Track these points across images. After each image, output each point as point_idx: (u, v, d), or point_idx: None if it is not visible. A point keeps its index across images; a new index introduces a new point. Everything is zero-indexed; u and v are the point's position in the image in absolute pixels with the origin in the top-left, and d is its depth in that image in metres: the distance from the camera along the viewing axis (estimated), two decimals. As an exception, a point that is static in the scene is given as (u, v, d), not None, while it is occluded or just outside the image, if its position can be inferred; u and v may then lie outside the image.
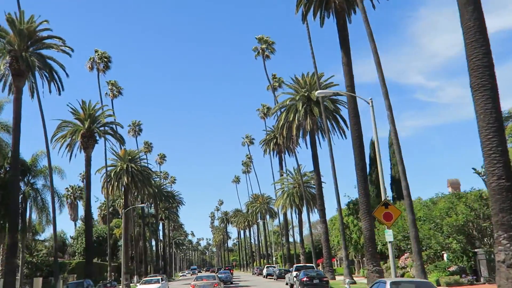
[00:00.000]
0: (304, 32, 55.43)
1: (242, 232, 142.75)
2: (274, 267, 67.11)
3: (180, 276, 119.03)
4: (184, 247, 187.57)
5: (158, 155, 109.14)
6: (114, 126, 52.29)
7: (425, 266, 24.24)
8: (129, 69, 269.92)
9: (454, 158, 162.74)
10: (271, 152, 73.77)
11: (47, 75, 38.15)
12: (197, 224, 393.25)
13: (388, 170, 47.65)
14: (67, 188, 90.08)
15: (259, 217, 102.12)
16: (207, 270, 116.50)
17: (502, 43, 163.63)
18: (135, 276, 63.43)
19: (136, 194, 64.81)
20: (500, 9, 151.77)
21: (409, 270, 32.52)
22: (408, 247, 30.19)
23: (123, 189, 58.08)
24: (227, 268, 77.06)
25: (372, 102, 21.49)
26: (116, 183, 56.39)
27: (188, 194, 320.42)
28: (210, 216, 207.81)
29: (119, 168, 56.70)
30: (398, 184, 48.13)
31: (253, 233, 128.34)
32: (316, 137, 44.05)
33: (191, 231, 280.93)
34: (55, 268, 39.43)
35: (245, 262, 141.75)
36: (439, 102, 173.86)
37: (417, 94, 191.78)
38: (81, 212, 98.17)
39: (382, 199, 20.40)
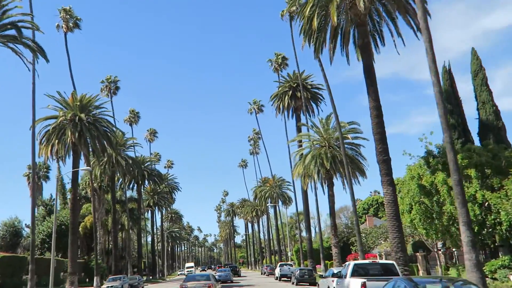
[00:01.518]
0: None
1: (250, 226, 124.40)
2: (291, 265, 48.51)
3: (178, 274, 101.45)
4: (186, 241, 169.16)
5: (148, 130, 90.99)
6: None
7: None
8: (123, 37, 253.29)
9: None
10: (286, 113, 54.97)
11: None
12: (204, 220, 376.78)
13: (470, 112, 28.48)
14: (29, 165, 72.44)
15: (269, 204, 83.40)
16: (204, 269, 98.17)
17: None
18: (96, 278, 45.18)
19: (92, 160, 46.70)
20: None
21: None
22: None
23: (71, 152, 39.55)
24: (226, 266, 68.74)
25: None
26: (57, 141, 37.93)
27: (194, 189, 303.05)
28: (215, 210, 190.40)
29: (60, 119, 38.15)
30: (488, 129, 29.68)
31: (262, 225, 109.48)
32: (372, 41, 25.21)
33: (198, 227, 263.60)
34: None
35: (253, 259, 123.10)
36: None
37: (429, 90, 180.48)
38: (46, 194, 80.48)
39: None
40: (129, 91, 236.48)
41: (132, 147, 55.77)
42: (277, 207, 79.37)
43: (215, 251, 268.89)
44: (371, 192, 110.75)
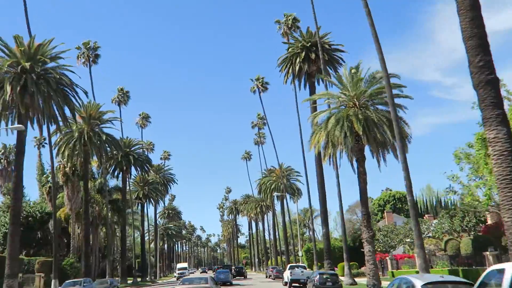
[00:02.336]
0: None
1: (254, 224, 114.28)
2: (304, 267, 38.40)
3: (174, 276, 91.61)
4: (185, 240, 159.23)
5: (140, 114, 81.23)
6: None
7: None
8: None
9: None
10: (297, 82, 44.87)
11: None
12: (208, 220, 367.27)
13: None
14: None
15: (275, 198, 73.35)
16: (204, 271, 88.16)
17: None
18: (55, 281, 35.32)
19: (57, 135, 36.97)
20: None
21: None
22: None
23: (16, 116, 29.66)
24: (226, 267, 62.27)
25: None
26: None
27: (197, 188, 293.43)
28: (218, 208, 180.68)
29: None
30: None
31: (268, 223, 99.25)
32: None
33: (201, 226, 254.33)
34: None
35: (256, 260, 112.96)
36: (456, 99, 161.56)
37: (433, 91, 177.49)
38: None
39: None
40: (132, 91, 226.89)
41: (111, 123, 45.65)
42: (284, 201, 69.30)
43: (218, 251, 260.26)
44: (382, 190, 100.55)
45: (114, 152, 56.64)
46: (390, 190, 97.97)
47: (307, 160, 49.66)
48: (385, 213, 77.51)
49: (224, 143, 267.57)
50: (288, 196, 68.91)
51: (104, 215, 56.61)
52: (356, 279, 36.37)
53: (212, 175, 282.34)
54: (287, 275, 36.93)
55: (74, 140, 42.40)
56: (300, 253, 49.43)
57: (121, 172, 58.18)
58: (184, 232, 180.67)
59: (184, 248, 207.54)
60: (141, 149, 61.38)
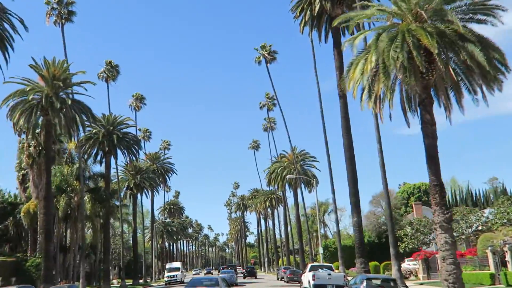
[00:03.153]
0: None
1: (263, 222, 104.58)
2: (330, 269, 28.46)
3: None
4: (189, 239, 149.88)
5: (133, 95, 71.91)
6: None
7: None
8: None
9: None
10: (316, 32, 34.97)
11: None
12: (216, 219, 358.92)
13: None
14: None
15: (287, 187, 63.58)
16: (209, 272, 78.47)
17: None
18: None
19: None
20: None
21: None
22: None
23: None
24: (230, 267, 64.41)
25: None
26: None
27: (204, 187, 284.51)
28: (225, 205, 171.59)
29: None
30: None
31: (278, 219, 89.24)
32: None
33: (209, 225, 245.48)
34: None
35: (266, 260, 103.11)
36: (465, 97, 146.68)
37: None
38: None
39: None
40: (130, 79, 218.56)
41: (83, 88, 35.74)
42: (298, 190, 59.40)
43: (227, 251, 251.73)
44: (399, 184, 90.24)
45: (94, 130, 47.41)
46: (409, 184, 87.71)
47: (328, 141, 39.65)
48: (413, 205, 67.32)
49: (230, 138, 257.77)
50: (302, 185, 59.09)
51: (86, 207, 47.17)
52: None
53: (219, 172, 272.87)
54: (307, 278, 27.09)
55: (32, 106, 32.99)
56: (320, 250, 39.39)
57: (104, 156, 48.70)
58: (190, 230, 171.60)
59: (191, 248, 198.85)
60: (127, 128, 51.35)
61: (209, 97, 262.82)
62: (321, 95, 40.91)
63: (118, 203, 56.98)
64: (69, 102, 33.32)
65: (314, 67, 39.94)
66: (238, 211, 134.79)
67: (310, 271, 27.37)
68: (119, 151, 50.08)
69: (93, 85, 36.74)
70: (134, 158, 51.15)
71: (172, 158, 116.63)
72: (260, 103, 73.31)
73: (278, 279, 53.76)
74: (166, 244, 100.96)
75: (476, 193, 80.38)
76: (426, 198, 78.78)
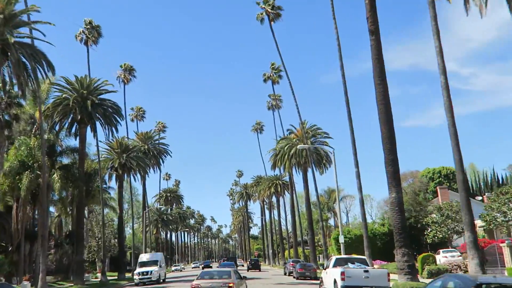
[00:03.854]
0: None
1: (267, 212, 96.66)
2: (364, 263, 20.22)
3: (172, 271, 74.74)
4: (192, 230, 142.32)
5: (122, 66, 63.70)
6: None
7: None
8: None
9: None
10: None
11: None
12: (219, 211, 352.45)
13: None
14: None
15: (294, 170, 55.33)
16: (208, 266, 70.47)
17: None
18: None
19: None
20: None
21: None
22: None
23: None
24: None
25: None
26: None
27: (208, 177, 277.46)
28: (228, 195, 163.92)
29: None
30: None
31: (284, 208, 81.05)
32: None
33: (211, 217, 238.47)
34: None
35: (270, 252, 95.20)
36: (474, 89, 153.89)
37: (450, 81, 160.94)
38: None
39: None
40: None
41: (33, 28, 27.55)
42: (308, 171, 51.11)
43: (230, 243, 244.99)
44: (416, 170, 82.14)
45: (64, 95, 39.28)
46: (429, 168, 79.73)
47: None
48: (438, 189, 59.06)
49: (232, 123, 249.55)
50: (313, 166, 50.80)
51: (54, 187, 39.18)
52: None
53: (222, 162, 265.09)
54: (332, 276, 18.91)
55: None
56: (341, 239, 30.99)
57: (78, 127, 40.65)
58: (192, 221, 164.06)
59: (194, 239, 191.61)
60: (107, 94, 42.93)
61: (210, 85, 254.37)
62: (341, 49, 32.37)
63: (105, 186, 49.26)
64: (12, 40, 25.10)
65: (332, 9, 31.41)
66: (241, 201, 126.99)
67: (335, 266, 19.20)
68: (98, 124, 42.11)
69: (52, 25, 28.39)
70: (114, 130, 42.85)
71: (174, 155, 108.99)
72: (265, 74, 64.39)
73: (285, 274, 45.92)
74: (163, 234, 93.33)
75: (502, 178, 73.56)
76: (448, 183, 70.69)
